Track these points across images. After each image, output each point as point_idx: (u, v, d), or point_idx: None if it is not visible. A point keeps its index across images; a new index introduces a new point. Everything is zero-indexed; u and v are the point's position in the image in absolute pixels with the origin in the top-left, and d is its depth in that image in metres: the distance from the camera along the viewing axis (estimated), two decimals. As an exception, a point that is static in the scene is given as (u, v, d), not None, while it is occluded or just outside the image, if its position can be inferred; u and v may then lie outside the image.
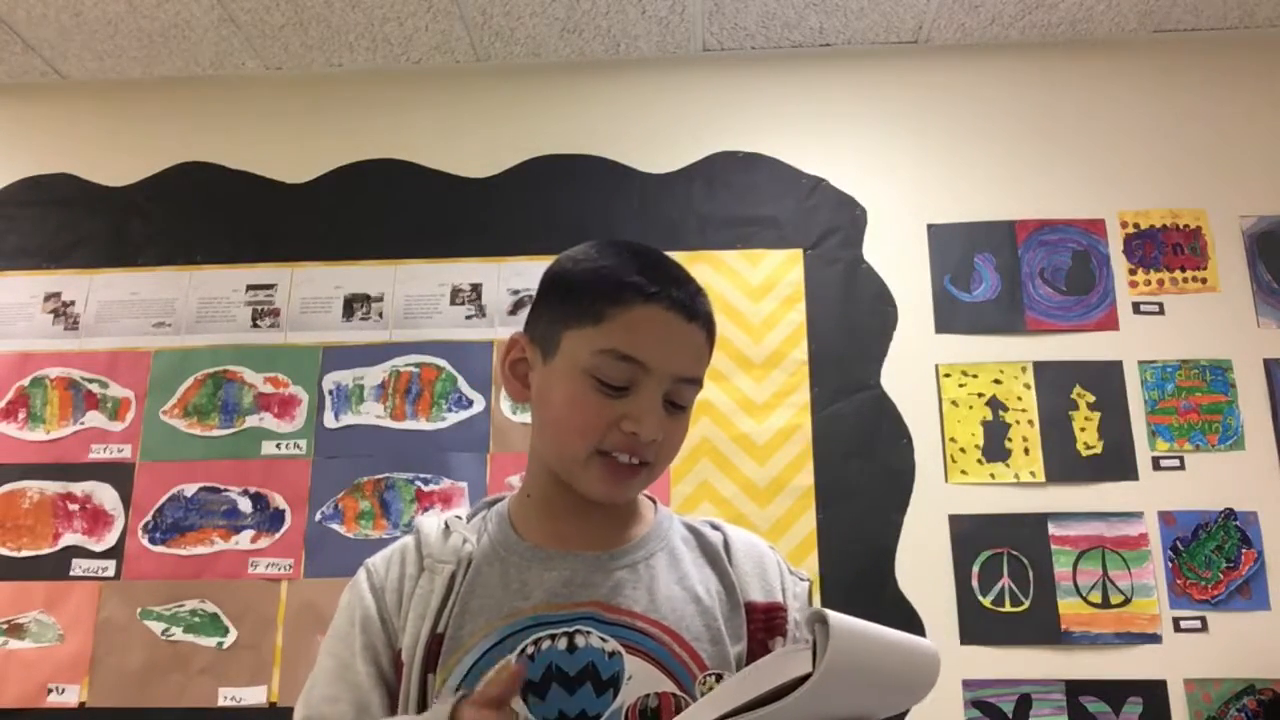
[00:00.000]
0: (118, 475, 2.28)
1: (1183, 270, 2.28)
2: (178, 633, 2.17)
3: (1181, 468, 2.16)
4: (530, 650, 0.93)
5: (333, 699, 0.95)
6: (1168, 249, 2.30)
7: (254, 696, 2.13)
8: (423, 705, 0.93)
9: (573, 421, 0.97)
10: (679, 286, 0.99)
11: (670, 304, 0.97)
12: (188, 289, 2.41)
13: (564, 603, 0.96)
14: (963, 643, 2.08)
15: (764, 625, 1.01)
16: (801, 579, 1.09)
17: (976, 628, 2.08)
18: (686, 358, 0.98)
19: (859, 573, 2.11)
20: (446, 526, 1.03)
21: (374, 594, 1.00)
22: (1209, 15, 2.38)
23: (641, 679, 0.93)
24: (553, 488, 1.01)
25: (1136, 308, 2.27)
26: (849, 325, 2.28)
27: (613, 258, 1.01)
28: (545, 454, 1.01)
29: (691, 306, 0.98)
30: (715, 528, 1.09)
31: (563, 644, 0.93)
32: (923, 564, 2.12)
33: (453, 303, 2.36)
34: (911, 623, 2.07)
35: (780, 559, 1.08)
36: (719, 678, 0.95)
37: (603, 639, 0.94)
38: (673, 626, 0.96)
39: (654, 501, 1.09)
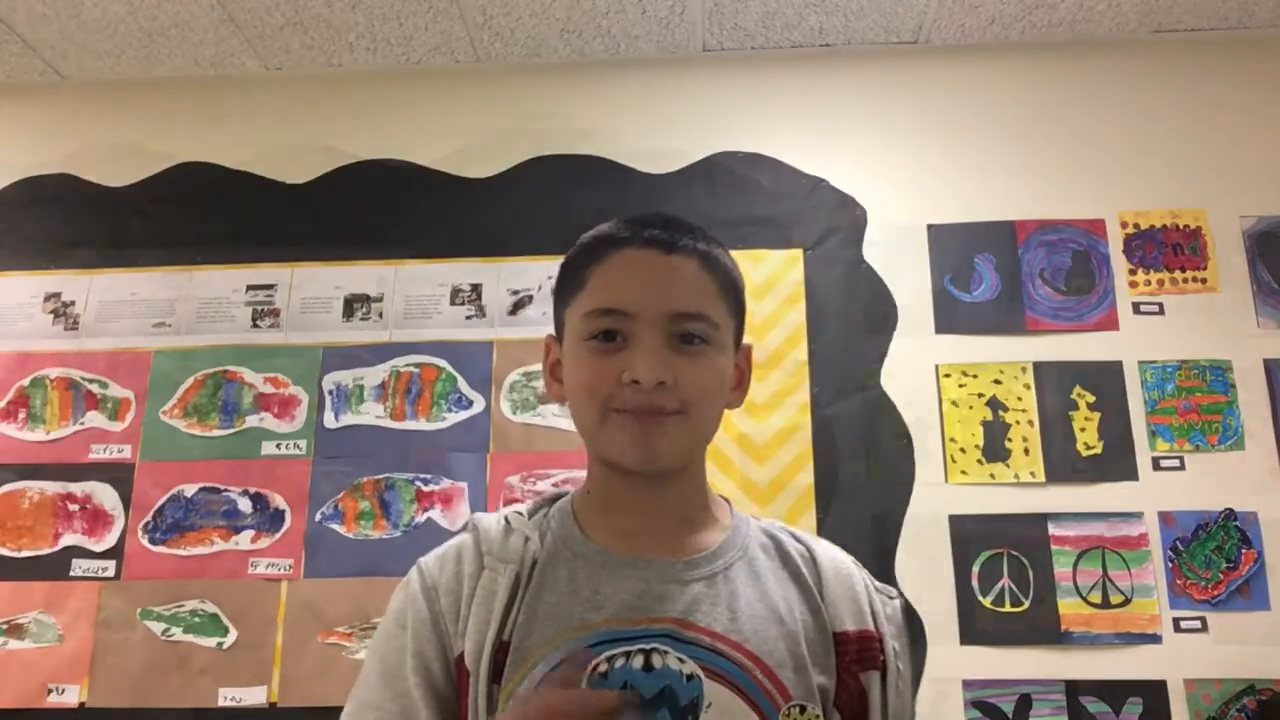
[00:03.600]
0: (118, 475, 2.28)
1: (1183, 270, 2.28)
2: (178, 633, 2.17)
3: (1181, 468, 2.16)
4: (603, 668, 0.86)
5: (376, 706, 0.90)
6: (1168, 249, 2.30)
7: (254, 697, 2.12)
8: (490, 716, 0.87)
9: (580, 388, 0.94)
10: (658, 227, 0.95)
11: (643, 243, 0.94)
12: (188, 289, 2.41)
13: (638, 617, 0.89)
14: (962, 643, 2.08)
15: (856, 657, 0.94)
16: (891, 597, 1.02)
17: (976, 628, 2.08)
18: (672, 291, 0.92)
19: (859, 573, 2.10)
20: (507, 523, 0.97)
21: (426, 596, 0.93)
22: (1209, 15, 2.38)
23: (722, 706, 0.86)
24: (610, 481, 0.96)
25: (1136, 308, 2.27)
26: (849, 325, 2.28)
27: (604, 225, 0.99)
28: (584, 439, 0.96)
29: (669, 241, 0.94)
30: (798, 539, 1.02)
31: (638, 662, 0.86)
32: (923, 564, 2.12)
33: (453, 303, 2.36)
34: (911, 623, 2.07)
35: (866, 576, 1.01)
36: (802, 709, 0.89)
37: (680, 659, 0.87)
38: (755, 650, 0.89)
39: (729, 504, 1.03)
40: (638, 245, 0.94)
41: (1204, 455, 2.16)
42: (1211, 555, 2.10)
